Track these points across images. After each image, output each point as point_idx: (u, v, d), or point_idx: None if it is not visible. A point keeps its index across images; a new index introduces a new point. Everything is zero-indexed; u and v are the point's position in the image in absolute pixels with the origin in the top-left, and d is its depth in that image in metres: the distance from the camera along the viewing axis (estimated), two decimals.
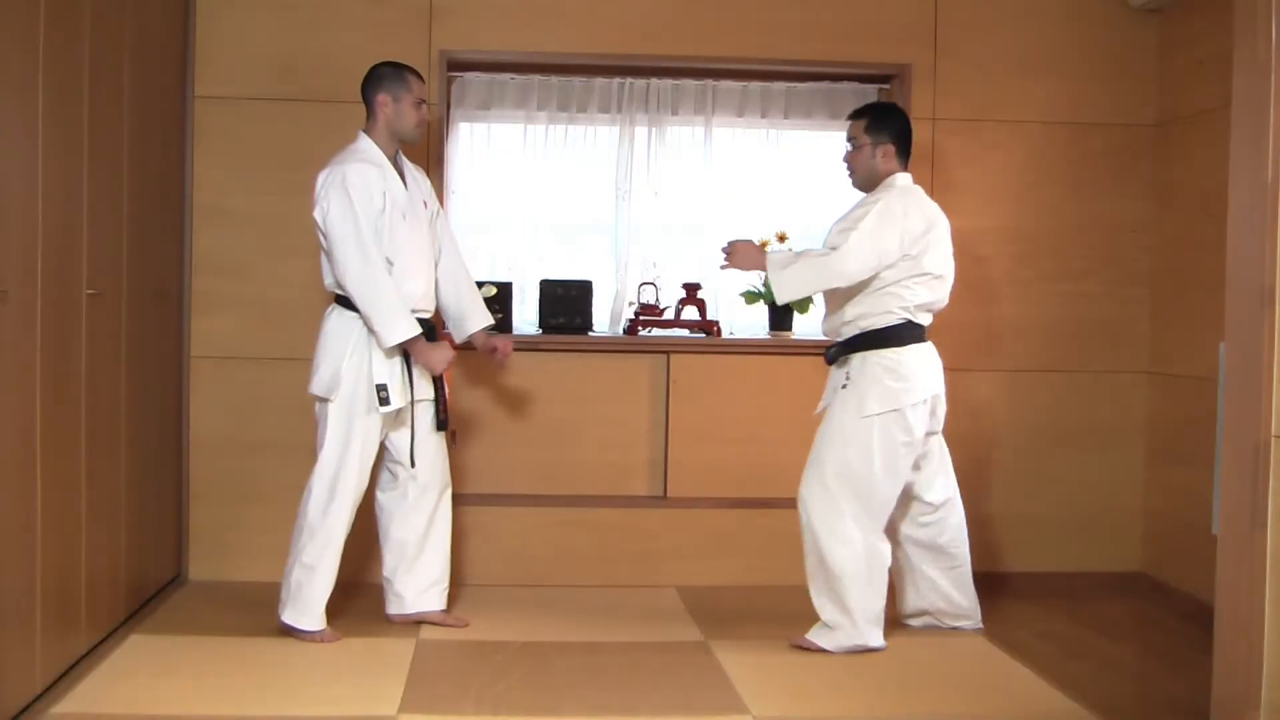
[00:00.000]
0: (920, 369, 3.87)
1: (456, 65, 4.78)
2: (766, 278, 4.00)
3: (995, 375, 4.91)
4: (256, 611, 4.17)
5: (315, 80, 4.62)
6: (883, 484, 3.85)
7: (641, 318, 4.87)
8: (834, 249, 3.80)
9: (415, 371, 3.92)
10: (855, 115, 4.01)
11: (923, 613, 4.16)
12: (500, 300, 4.70)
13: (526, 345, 4.74)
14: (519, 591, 4.57)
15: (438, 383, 4.00)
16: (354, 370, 3.82)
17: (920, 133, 4.82)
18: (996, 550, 4.91)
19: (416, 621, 4.06)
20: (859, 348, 3.88)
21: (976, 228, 4.88)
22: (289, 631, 3.88)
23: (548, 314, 4.75)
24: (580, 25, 4.73)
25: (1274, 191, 2.77)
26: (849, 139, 3.98)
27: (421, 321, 3.88)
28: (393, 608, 4.08)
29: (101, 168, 3.64)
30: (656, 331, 4.87)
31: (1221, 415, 3.01)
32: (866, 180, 3.96)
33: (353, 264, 3.73)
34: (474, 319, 4.15)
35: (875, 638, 3.86)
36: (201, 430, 4.64)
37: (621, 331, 4.94)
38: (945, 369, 4.86)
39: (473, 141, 4.91)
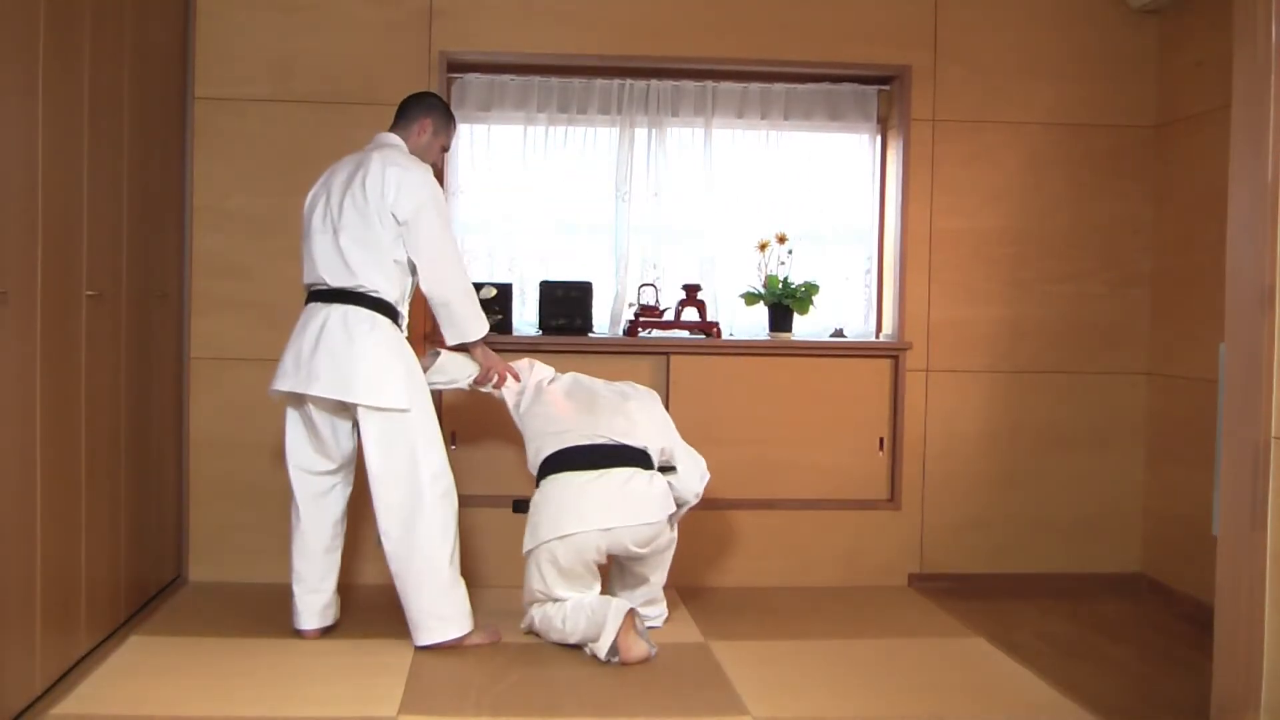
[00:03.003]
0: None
1: (456, 66, 4.78)
2: None
3: (995, 375, 4.91)
4: (256, 611, 4.17)
5: (315, 80, 4.63)
6: None
7: (641, 319, 4.87)
8: None
9: None
10: None
11: None
12: (500, 301, 4.70)
13: (527, 347, 4.74)
14: (519, 593, 4.56)
15: None
16: (420, 373, 3.87)
17: (920, 133, 4.84)
18: (997, 550, 4.92)
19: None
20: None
21: (976, 228, 4.89)
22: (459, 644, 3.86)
23: (548, 315, 4.75)
24: (580, 26, 4.73)
25: (1274, 191, 2.78)
26: None
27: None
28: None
29: (101, 168, 3.64)
30: (656, 333, 4.87)
31: (1221, 415, 3.01)
32: None
33: (455, 259, 3.81)
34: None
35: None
36: (201, 430, 4.64)
37: (621, 333, 4.94)
38: (945, 370, 4.90)
39: (473, 142, 4.91)
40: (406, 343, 3.85)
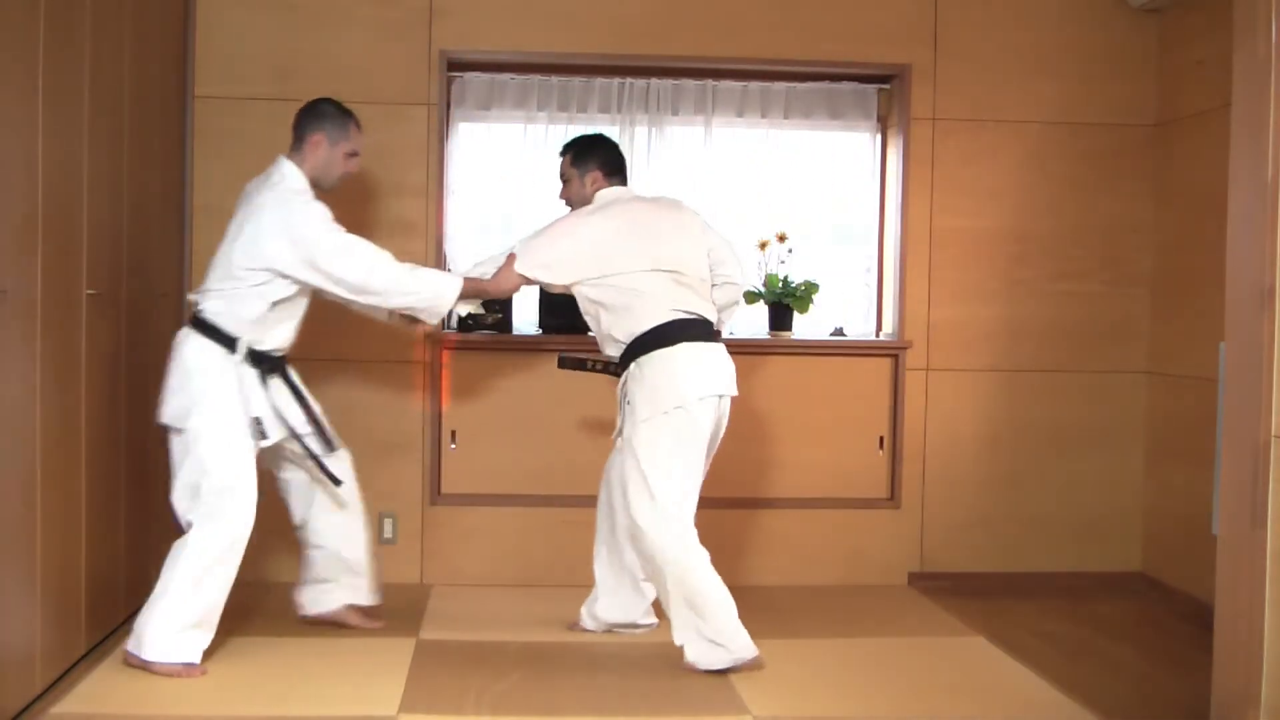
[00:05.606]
0: (688, 368, 3.74)
1: (456, 65, 4.78)
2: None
3: (995, 375, 4.91)
4: (256, 611, 4.17)
5: (315, 80, 4.61)
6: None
7: None
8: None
9: (282, 403, 3.74)
10: (563, 151, 4.03)
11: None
12: (500, 300, 4.69)
13: (526, 345, 4.74)
14: (519, 591, 4.57)
15: (308, 410, 3.82)
16: (226, 399, 3.61)
17: (920, 132, 4.84)
18: (997, 550, 4.91)
19: (329, 624, 4.00)
20: (634, 356, 3.75)
21: (976, 228, 4.88)
22: (153, 668, 3.53)
23: (547, 314, 4.75)
24: (580, 25, 4.73)
25: (1274, 191, 2.77)
26: (560, 175, 4.01)
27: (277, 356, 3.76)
28: (319, 606, 4.00)
29: (101, 168, 3.64)
30: None
31: (1221, 415, 3.01)
32: (582, 206, 3.98)
33: (368, 259, 3.64)
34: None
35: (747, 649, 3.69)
36: None
37: None
38: (945, 369, 4.89)
39: (473, 141, 4.91)
40: (210, 361, 3.61)
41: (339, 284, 3.65)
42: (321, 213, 3.68)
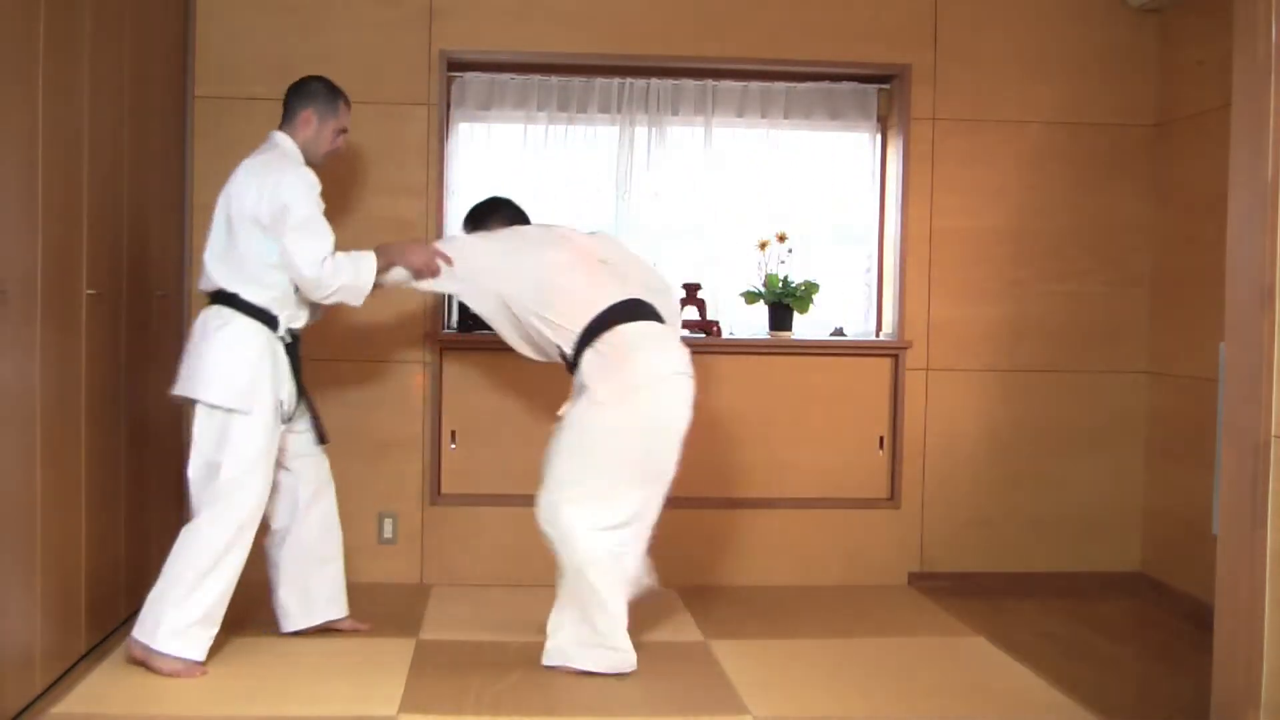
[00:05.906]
0: (649, 344, 3.69)
1: (456, 65, 4.78)
2: None
3: (995, 375, 4.91)
4: (256, 611, 4.17)
5: None
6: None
7: None
8: None
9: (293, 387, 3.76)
10: (464, 221, 4.12)
11: None
12: None
13: None
14: (518, 591, 4.57)
15: (308, 398, 3.84)
16: (267, 381, 3.62)
17: (920, 132, 4.84)
18: (997, 549, 4.91)
19: (321, 630, 3.97)
20: (589, 340, 3.68)
21: (976, 228, 4.89)
22: (166, 665, 3.51)
23: None
24: (580, 25, 4.73)
25: (1274, 191, 2.77)
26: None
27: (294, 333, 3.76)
28: (297, 622, 3.96)
29: (101, 168, 3.64)
30: None
31: (1221, 415, 3.00)
32: None
33: (320, 250, 3.57)
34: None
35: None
36: None
37: None
38: (945, 369, 4.90)
39: (473, 141, 4.91)
40: (255, 343, 3.62)
41: (284, 256, 3.59)
42: (310, 179, 3.65)
